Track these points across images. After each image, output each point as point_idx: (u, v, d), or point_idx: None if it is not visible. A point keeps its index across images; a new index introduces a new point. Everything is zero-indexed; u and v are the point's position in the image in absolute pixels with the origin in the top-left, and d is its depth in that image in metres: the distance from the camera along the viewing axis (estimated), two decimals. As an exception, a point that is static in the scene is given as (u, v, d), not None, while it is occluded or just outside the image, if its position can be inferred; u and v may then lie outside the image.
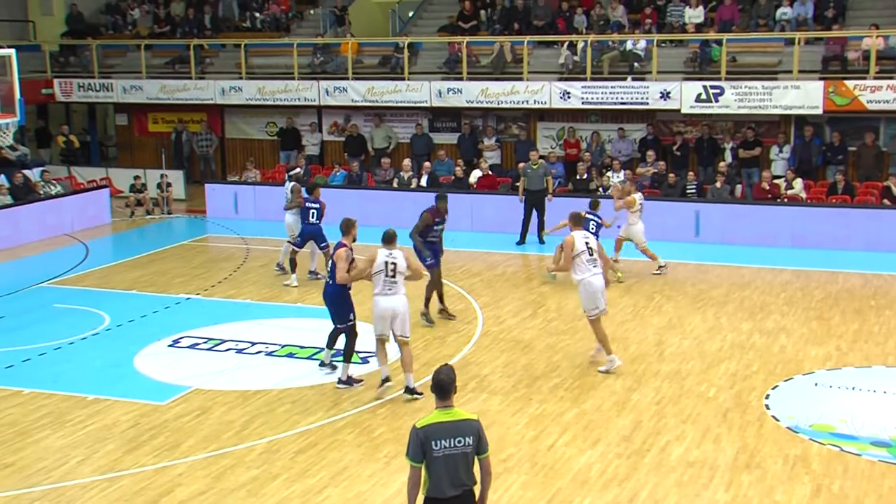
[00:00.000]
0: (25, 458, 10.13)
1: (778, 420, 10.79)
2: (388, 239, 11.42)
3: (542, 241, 19.51)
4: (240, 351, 13.40)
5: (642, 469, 9.68)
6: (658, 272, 17.01)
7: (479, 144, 23.63)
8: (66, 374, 12.55)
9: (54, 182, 22.76)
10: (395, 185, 22.00)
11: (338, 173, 23.02)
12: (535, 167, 19.30)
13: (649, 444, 10.25)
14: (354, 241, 11.99)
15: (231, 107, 26.21)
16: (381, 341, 11.47)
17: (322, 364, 12.60)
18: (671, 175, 20.72)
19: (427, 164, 22.40)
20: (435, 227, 14.29)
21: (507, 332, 13.93)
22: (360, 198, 21.47)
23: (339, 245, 11.76)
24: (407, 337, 11.44)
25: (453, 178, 21.91)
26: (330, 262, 12.09)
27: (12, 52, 15.41)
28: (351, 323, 11.98)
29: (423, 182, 21.72)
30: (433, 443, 6.65)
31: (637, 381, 12.06)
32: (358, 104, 24.30)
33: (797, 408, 11.13)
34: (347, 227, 11.98)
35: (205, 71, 26.52)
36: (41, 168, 23.63)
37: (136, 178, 24.04)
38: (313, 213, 16.46)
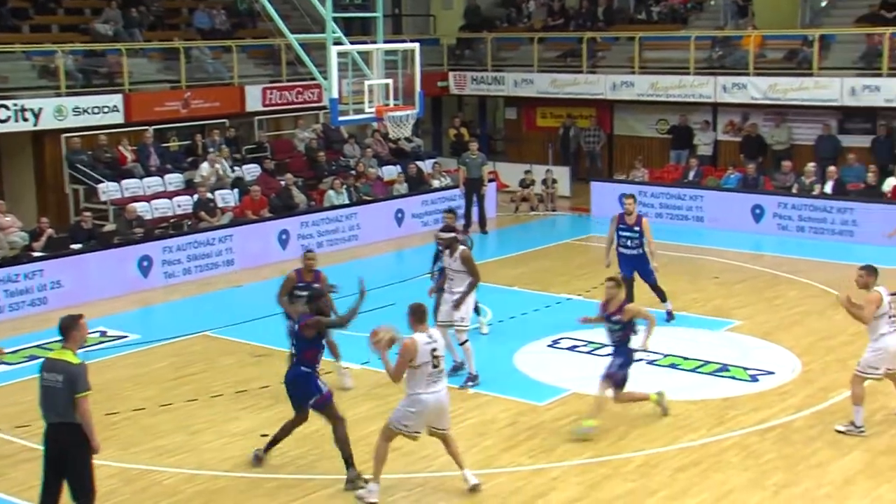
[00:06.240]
0: (412, 443, 10.79)
1: None
2: None
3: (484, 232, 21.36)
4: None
5: None
6: None
7: (896, 149, 22.09)
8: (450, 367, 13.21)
9: (444, 174, 24.13)
10: (794, 190, 21.10)
11: (731, 175, 22.47)
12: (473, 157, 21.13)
13: None
14: None
15: (621, 102, 26.40)
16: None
17: None
18: None
19: (832, 168, 21.25)
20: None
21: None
22: (754, 202, 20.98)
23: None
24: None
25: (864, 185, 20.64)
26: None
27: (416, 46, 16.51)
28: None
29: (828, 189, 20.64)
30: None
31: None
32: (757, 102, 23.59)
33: None
34: None
35: (596, 65, 26.93)
36: (433, 160, 25.20)
37: (527, 172, 24.89)
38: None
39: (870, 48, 22.71)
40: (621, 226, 14.93)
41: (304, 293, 12.24)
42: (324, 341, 10.34)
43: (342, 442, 9.88)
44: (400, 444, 9.96)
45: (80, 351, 8.60)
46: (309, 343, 10.11)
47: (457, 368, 12.66)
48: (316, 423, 11.31)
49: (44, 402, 8.57)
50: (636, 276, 14.92)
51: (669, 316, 15.10)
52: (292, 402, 10.26)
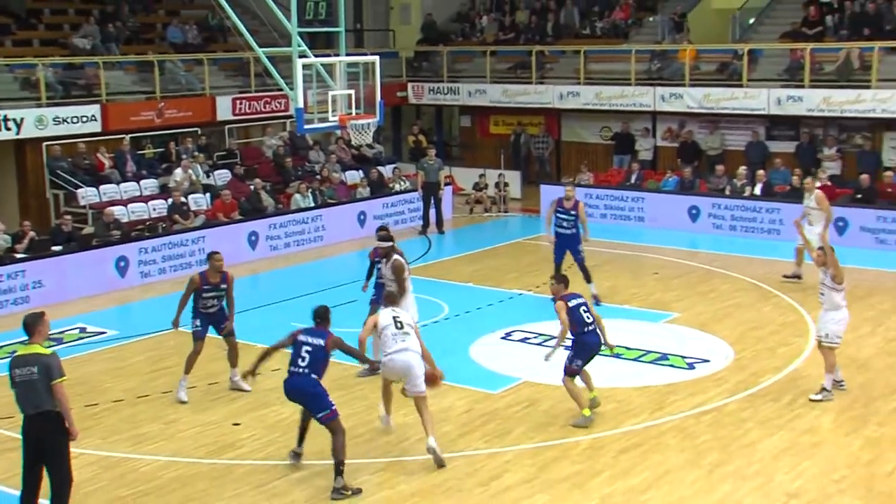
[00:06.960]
0: (374, 430, 10.87)
1: None
2: None
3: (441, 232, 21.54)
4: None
5: None
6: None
7: (818, 154, 22.44)
8: (409, 357, 13.26)
9: (403, 178, 24.16)
10: (727, 192, 21.38)
11: (670, 179, 22.73)
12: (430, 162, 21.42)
13: None
14: None
15: (568, 111, 26.59)
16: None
17: None
18: None
19: (761, 172, 21.58)
20: None
21: (843, 349, 13.07)
22: (690, 203, 21.22)
23: None
24: None
25: (789, 187, 20.97)
26: None
27: (377, 58, 16.51)
28: None
29: (758, 190, 20.96)
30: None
31: None
32: (693, 110, 23.88)
33: None
34: None
35: (544, 76, 27.09)
36: (393, 165, 25.22)
37: (481, 176, 25.01)
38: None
39: (793, 62, 23.06)
40: (559, 209, 15.66)
41: (212, 294, 12.19)
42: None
43: (338, 451, 9.49)
44: (360, 431, 10.06)
45: (62, 346, 8.56)
46: (326, 357, 9.68)
47: None
48: (285, 411, 11.34)
49: (21, 397, 8.48)
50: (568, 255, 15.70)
51: (596, 300, 15.31)
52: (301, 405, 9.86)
